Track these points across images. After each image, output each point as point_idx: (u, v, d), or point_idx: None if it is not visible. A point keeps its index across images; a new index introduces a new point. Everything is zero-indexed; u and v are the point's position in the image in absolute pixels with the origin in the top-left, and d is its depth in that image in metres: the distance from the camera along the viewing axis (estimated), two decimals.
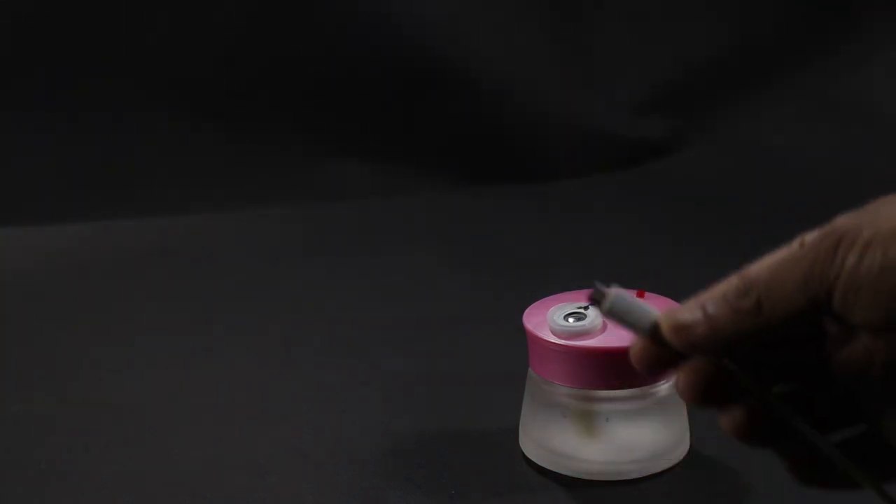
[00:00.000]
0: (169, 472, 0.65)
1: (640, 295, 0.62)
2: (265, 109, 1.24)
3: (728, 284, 0.48)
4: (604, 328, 0.60)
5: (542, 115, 1.26)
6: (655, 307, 0.47)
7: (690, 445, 0.64)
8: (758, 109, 1.31)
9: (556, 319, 0.60)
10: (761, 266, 0.47)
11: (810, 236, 0.47)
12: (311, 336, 0.83)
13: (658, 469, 0.63)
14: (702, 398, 0.49)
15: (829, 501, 0.57)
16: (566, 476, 0.62)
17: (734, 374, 0.48)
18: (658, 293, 0.64)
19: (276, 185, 1.18)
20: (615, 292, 0.47)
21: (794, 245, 0.47)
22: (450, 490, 0.62)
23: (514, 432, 0.66)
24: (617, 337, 0.59)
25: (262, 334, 0.84)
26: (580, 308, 0.61)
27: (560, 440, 0.62)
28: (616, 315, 0.47)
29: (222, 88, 1.23)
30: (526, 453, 0.64)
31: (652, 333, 0.47)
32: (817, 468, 0.49)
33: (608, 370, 0.60)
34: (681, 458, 0.64)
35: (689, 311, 0.48)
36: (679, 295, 0.64)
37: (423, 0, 1.25)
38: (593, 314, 0.60)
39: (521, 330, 0.62)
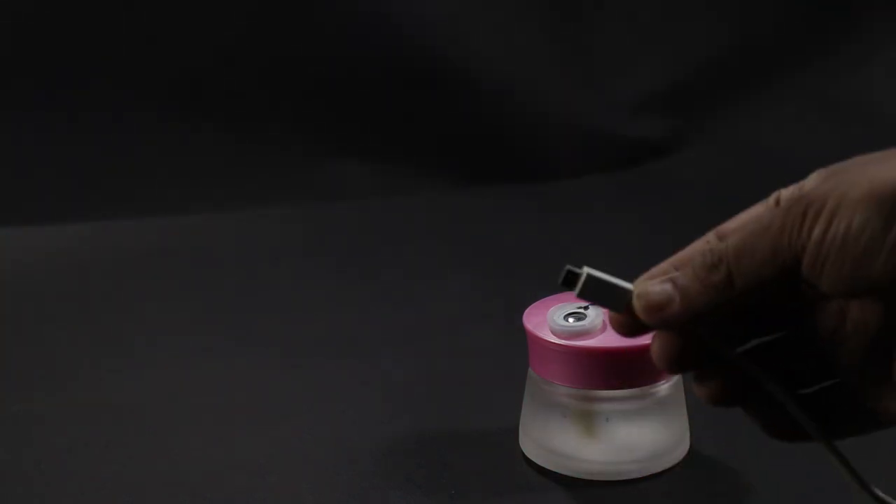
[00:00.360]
0: (169, 472, 0.65)
1: None
2: (265, 109, 1.24)
3: (698, 253, 0.49)
4: (604, 328, 0.60)
5: (542, 115, 1.26)
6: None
7: (690, 445, 0.64)
8: (758, 109, 1.31)
9: (556, 319, 0.60)
10: (732, 231, 0.48)
11: (786, 192, 0.48)
12: (311, 336, 0.83)
13: (658, 469, 0.63)
14: (675, 365, 0.50)
15: (829, 502, 0.57)
16: (566, 476, 0.62)
17: (708, 340, 0.49)
18: None
19: (276, 185, 1.18)
20: (587, 272, 0.47)
21: (771, 202, 0.48)
22: (450, 490, 0.62)
23: (514, 432, 0.66)
24: (617, 337, 0.59)
25: (261, 334, 0.84)
26: (580, 308, 0.61)
27: (560, 440, 0.62)
28: (589, 296, 0.47)
29: (222, 88, 1.23)
30: (526, 453, 0.64)
31: (628, 311, 0.48)
32: (787, 423, 0.50)
33: (608, 370, 0.60)
34: (681, 458, 0.64)
35: (661, 288, 0.49)
36: None
37: (424, 0, 1.25)
38: (593, 314, 0.60)
39: (521, 330, 0.62)
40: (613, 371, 0.60)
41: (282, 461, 0.65)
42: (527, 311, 0.63)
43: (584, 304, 0.61)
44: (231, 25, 1.23)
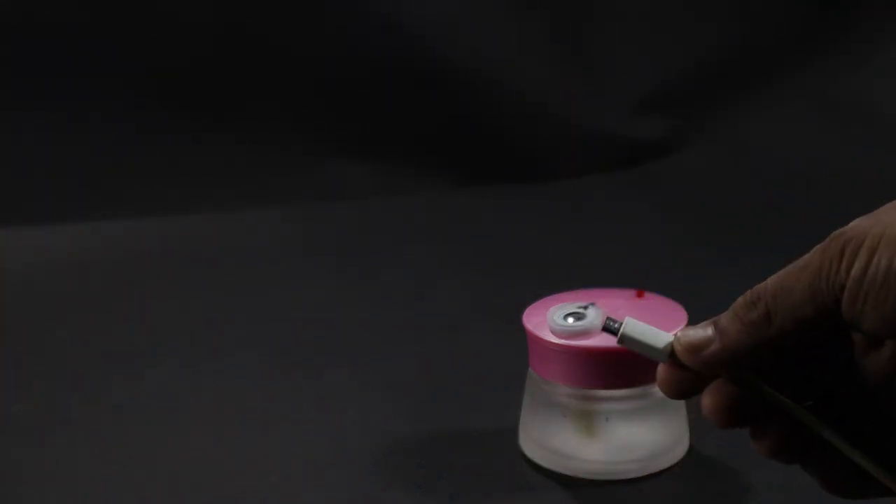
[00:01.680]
0: (169, 473, 0.65)
1: (640, 295, 0.62)
2: (265, 109, 1.23)
3: (740, 297, 0.47)
4: None
5: (542, 115, 1.26)
6: (667, 326, 0.48)
7: (690, 445, 0.64)
8: (758, 109, 1.31)
9: (556, 319, 0.60)
10: (772, 277, 0.47)
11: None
12: (311, 336, 0.83)
13: (658, 469, 0.63)
14: (729, 420, 0.48)
15: (829, 502, 0.57)
16: (566, 476, 0.62)
17: (759, 388, 0.47)
18: (658, 293, 0.64)
19: (276, 185, 1.18)
20: (628, 321, 0.47)
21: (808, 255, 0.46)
22: (450, 490, 0.62)
23: (514, 432, 0.66)
24: None
25: (261, 334, 0.84)
26: (580, 308, 0.61)
27: (560, 440, 0.62)
28: (630, 343, 0.47)
29: (222, 88, 1.23)
30: (526, 453, 0.64)
31: (670, 357, 0.47)
32: (851, 479, 0.48)
33: (608, 370, 0.60)
34: (680, 457, 0.64)
35: (701, 328, 0.47)
36: (679, 295, 0.64)
37: (425, 1, 1.25)
38: (593, 314, 0.60)
39: (521, 330, 0.62)
40: (613, 371, 0.60)
41: (282, 461, 0.65)
42: (527, 310, 0.63)
43: (583, 303, 0.61)
44: (231, 25, 1.23)
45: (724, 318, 0.47)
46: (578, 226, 1.09)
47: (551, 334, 0.60)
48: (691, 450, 0.64)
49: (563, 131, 1.26)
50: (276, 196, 1.17)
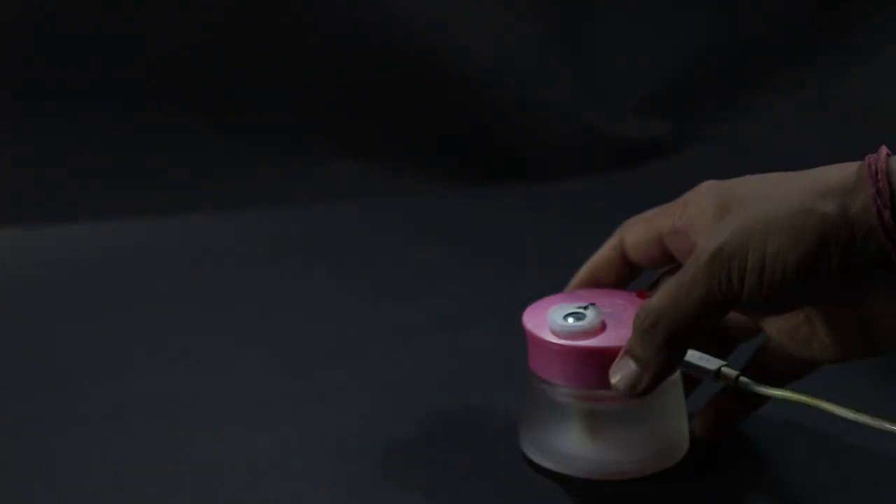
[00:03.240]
0: (169, 472, 0.65)
1: (641, 295, 0.62)
2: (265, 109, 1.23)
3: (636, 317, 0.55)
4: (603, 328, 0.60)
5: (542, 115, 1.26)
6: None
7: (690, 445, 0.64)
8: (758, 109, 1.31)
9: (556, 319, 0.60)
10: (662, 296, 0.54)
11: (700, 243, 0.53)
12: (311, 336, 0.83)
13: (658, 469, 0.63)
14: (720, 434, 0.62)
15: (829, 502, 0.57)
16: (566, 476, 0.62)
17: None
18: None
19: (276, 185, 1.18)
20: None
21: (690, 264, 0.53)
22: (450, 490, 0.62)
23: (514, 432, 0.66)
24: (616, 337, 0.59)
25: (261, 334, 0.84)
26: (580, 308, 0.61)
27: (560, 440, 0.62)
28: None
29: (222, 88, 1.23)
30: (526, 453, 0.64)
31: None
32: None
33: (608, 370, 0.60)
34: (680, 457, 0.64)
35: (624, 366, 0.56)
36: None
37: (425, 0, 1.25)
38: (593, 314, 0.60)
39: (521, 330, 0.62)
40: None
41: (282, 461, 0.65)
42: (526, 311, 0.63)
43: (583, 303, 0.61)
44: (231, 24, 1.23)
45: (637, 348, 0.54)
46: (578, 226, 1.09)
47: (551, 334, 0.60)
48: (691, 450, 0.64)
49: (563, 131, 1.26)
50: (276, 196, 1.17)
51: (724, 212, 0.54)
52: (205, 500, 0.62)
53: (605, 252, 0.64)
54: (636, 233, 0.62)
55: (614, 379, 0.56)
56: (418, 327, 0.84)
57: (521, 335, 0.62)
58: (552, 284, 0.67)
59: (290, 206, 1.14)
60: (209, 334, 0.84)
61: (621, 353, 0.56)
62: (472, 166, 1.22)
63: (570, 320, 0.60)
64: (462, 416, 0.70)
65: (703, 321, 0.52)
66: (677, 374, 0.61)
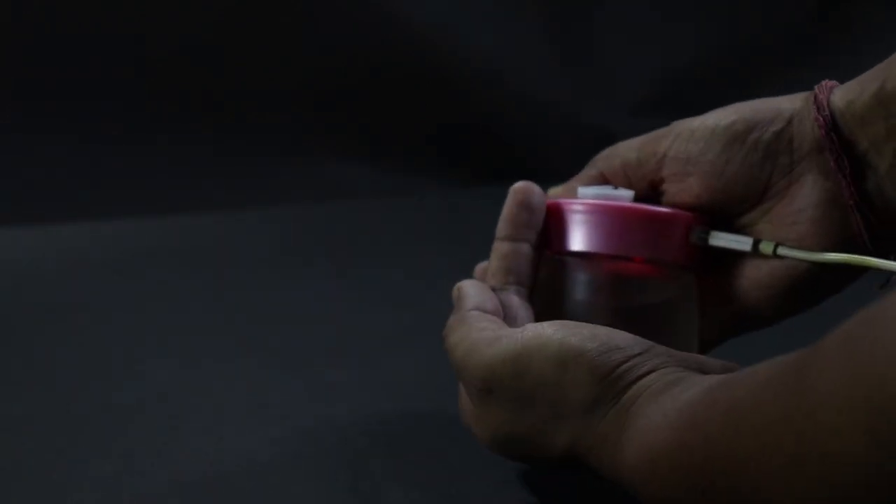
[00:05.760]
0: (169, 472, 0.65)
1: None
2: (265, 110, 1.24)
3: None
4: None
5: (543, 115, 1.27)
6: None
7: None
8: None
9: (589, 193, 0.60)
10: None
11: None
12: (311, 336, 0.83)
13: None
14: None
15: None
16: (567, 476, 0.62)
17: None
18: None
19: (277, 185, 1.19)
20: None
21: None
22: (450, 490, 0.62)
23: None
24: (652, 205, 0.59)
25: (261, 334, 0.84)
26: (607, 188, 0.61)
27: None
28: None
29: (222, 88, 1.23)
30: None
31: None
32: None
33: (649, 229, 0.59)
34: None
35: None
36: None
37: (425, 0, 1.25)
38: (623, 190, 0.60)
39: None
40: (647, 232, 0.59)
41: (282, 461, 0.65)
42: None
43: (606, 185, 0.61)
44: (231, 24, 1.23)
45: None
46: None
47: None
48: None
49: (563, 131, 1.26)
50: (277, 196, 1.17)
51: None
52: (205, 500, 0.62)
53: (583, 178, 0.64)
54: (620, 159, 0.62)
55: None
56: (418, 327, 0.84)
57: None
58: None
59: (290, 206, 1.14)
60: (209, 334, 0.84)
61: None
62: (471, 166, 1.22)
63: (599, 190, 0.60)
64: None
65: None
66: (692, 291, 0.61)
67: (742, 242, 0.58)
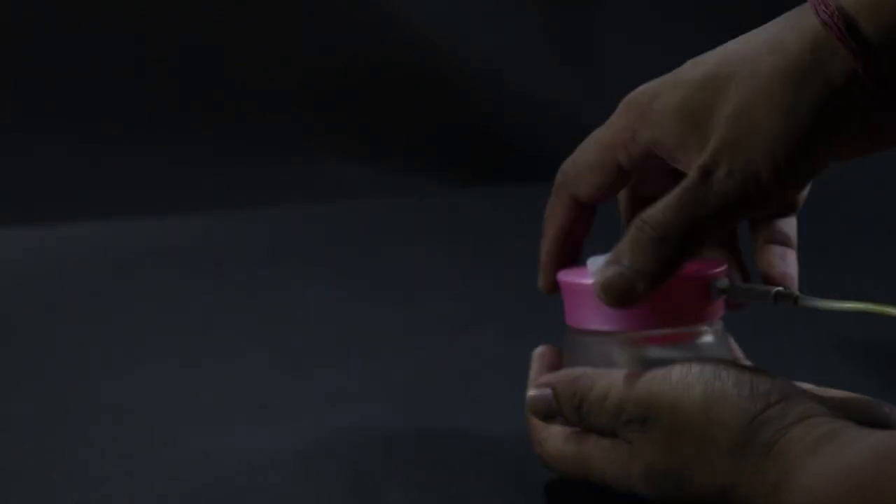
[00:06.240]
0: (169, 473, 0.65)
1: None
2: (265, 110, 1.24)
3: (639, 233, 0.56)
4: None
5: (543, 115, 1.27)
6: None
7: None
8: None
9: (596, 266, 0.59)
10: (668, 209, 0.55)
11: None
12: (311, 336, 0.83)
13: None
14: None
15: None
16: (568, 475, 0.62)
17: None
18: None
19: (277, 185, 1.18)
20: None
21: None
22: (450, 490, 0.62)
23: (514, 432, 0.65)
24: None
25: (261, 334, 0.84)
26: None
27: None
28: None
29: (222, 88, 1.23)
30: None
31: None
32: None
33: (659, 307, 0.59)
34: None
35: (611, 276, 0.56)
36: None
37: (425, 0, 1.25)
38: None
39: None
40: (662, 307, 0.59)
41: (282, 461, 0.65)
42: (559, 274, 0.62)
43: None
44: (231, 24, 1.23)
45: (640, 259, 0.56)
46: None
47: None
48: None
49: (563, 131, 1.26)
50: (276, 196, 1.17)
51: (694, 120, 0.54)
52: (205, 500, 0.62)
53: (560, 217, 0.63)
54: (590, 184, 0.62)
55: (600, 284, 0.56)
56: (418, 327, 0.84)
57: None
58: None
59: (290, 206, 1.14)
60: (209, 334, 0.84)
61: (609, 258, 0.57)
62: (472, 166, 1.22)
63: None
64: (462, 416, 0.70)
65: (723, 225, 0.54)
66: (722, 336, 0.60)
67: (762, 293, 0.57)
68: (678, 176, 0.55)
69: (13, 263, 1.01)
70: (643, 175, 0.60)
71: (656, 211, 0.54)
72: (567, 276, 0.61)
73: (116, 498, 0.62)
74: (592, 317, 0.60)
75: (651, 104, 0.56)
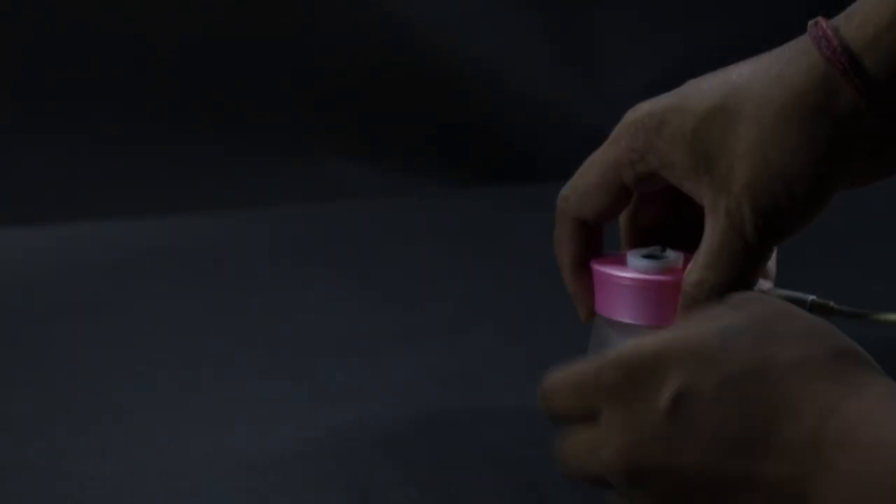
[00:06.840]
0: (169, 472, 0.65)
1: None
2: (265, 109, 1.23)
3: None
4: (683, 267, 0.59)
5: (543, 115, 1.26)
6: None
7: None
8: None
9: (637, 261, 0.59)
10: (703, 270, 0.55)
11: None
12: (311, 336, 0.83)
13: None
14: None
15: None
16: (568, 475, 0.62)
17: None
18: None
19: (276, 185, 1.18)
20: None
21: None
22: (450, 490, 0.62)
23: (514, 432, 0.65)
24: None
25: (261, 334, 0.84)
26: (655, 251, 0.60)
27: None
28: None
29: (221, 88, 1.23)
30: None
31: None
32: None
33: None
34: None
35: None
36: None
37: (425, 0, 1.25)
38: (672, 253, 0.59)
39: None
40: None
41: (282, 461, 0.65)
42: (592, 264, 0.62)
43: (653, 247, 0.60)
44: (231, 24, 1.23)
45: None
46: None
47: (640, 274, 0.58)
48: None
49: (564, 130, 1.26)
50: (276, 196, 1.17)
51: (706, 157, 0.54)
52: (205, 500, 0.62)
53: (570, 244, 0.62)
54: (595, 204, 0.61)
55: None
56: (418, 327, 0.84)
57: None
58: (553, 284, 0.67)
59: (290, 206, 1.14)
60: (209, 334, 0.84)
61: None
62: (472, 166, 1.22)
63: (649, 262, 0.58)
64: (462, 416, 0.70)
65: (754, 273, 0.53)
66: None
67: (798, 301, 0.57)
68: (679, 194, 0.56)
69: (13, 263, 1.01)
70: (644, 195, 0.60)
71: (696, 273, 0.54)
72: (602, 267, 0.61)
73: (117, 498, 0.62)
74: (625, 309, 0.59)
75: (660, 131, 0.57)
